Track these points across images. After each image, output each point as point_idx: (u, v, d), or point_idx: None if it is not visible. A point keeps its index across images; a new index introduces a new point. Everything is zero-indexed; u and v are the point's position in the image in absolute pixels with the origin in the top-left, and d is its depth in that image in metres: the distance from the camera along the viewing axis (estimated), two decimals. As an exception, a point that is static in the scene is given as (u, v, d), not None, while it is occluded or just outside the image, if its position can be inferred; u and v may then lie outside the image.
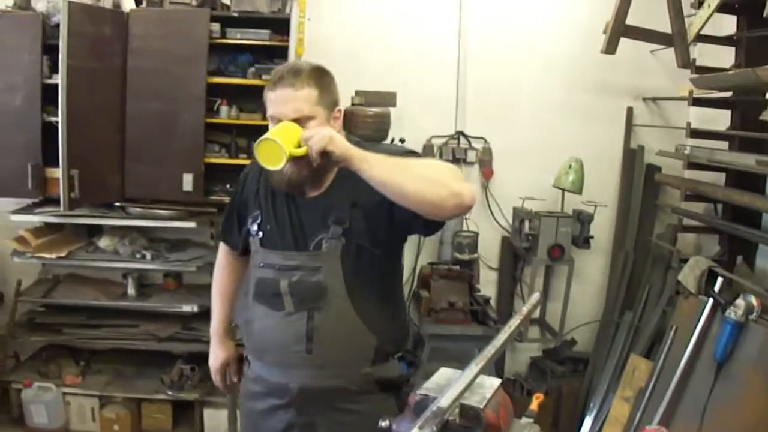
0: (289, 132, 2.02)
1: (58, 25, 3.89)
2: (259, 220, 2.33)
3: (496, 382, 2.01)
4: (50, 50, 4.06)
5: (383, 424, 2.13)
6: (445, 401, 1.79)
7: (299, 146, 1.98)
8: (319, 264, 2.22)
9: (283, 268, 2.25)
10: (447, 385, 1.93)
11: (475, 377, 1.99)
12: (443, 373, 2.08)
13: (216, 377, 2.70)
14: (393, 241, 2.33)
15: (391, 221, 2.18)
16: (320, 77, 2.16)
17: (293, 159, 1.99)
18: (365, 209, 2.19)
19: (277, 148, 1.95)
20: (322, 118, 2.13)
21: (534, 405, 2.13)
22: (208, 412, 4.45)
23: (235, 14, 4.27)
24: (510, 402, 2.00)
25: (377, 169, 1.95)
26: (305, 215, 2.26)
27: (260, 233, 2.32)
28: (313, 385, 2.25)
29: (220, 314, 2.68)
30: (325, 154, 1.93)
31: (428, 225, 2.12)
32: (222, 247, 2.68)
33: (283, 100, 2.09)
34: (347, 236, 2.21)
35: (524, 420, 2.04)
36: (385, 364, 2.33)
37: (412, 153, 2.25)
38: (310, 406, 2.27)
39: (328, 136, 1.92)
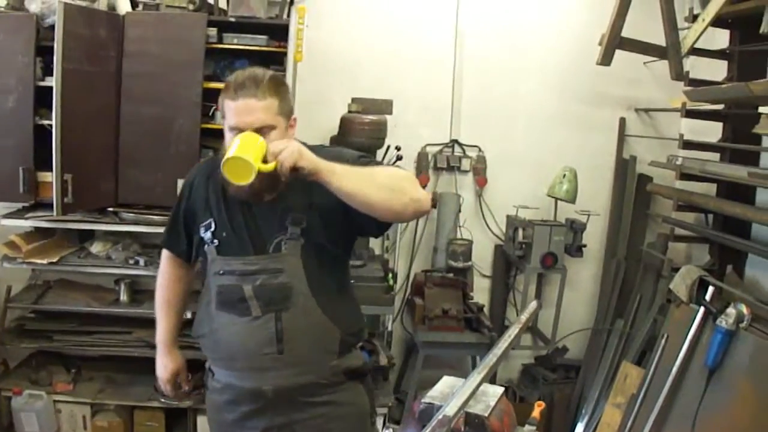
0: (255, 146, 2.02)
1: (51, 27, 3.83)
2: (213, 228, 2.33)
3: (499, 390, 2.03)
4: (44, 52, 3.99)
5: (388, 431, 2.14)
6: (450, 409, 1.80)
7: (265, 160, 2.00)
8: (281, 265, 2.25)
9: (244, 273, 2.26)
10: (451, 394, 1.94)
11: (479, 385, 2.00)
12: (446, 382, 2.09)
13: (166, 387, 2.73)
14: (347, 239, 2.41)
15: (347, 222, 2.24)
16: (279, 86, 2.19)
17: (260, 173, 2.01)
18: (321, 209, 2.24)
19: (247, 165, 1.97)
20: (282, 127, 2.17)
21: (536, 412, 2.16)
22: (201, 420, 4.39)
23: (232, 19, 4.23)
24: (513, 410, 2.02)
25: (345, 180, 2.02)
26: (262, 219, 2.28)
27: (215, 241, 2.32)
28: (287, 385, 2.29)
29: (167, 323, 2.70)
30: (295, 170, 1.96)
31: (380, 226, 2.25)
32: (165, 255, 2.67)
33: (246, 110, 2.11)
34: (305, 236, 2.26)
35: (527, 428, 2.06)
36: (349, 355, 2.41)
37: (363, 158, 2.30)
38: (285, 405, 2.30)
39: (297, 151, 1.96)
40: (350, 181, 2.02)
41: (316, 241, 2.27)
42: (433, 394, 2.00)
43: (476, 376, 2.02)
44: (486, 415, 1.86)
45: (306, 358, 2.30)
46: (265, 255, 2.26)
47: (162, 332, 2.70)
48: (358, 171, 2.07)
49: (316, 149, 2.12)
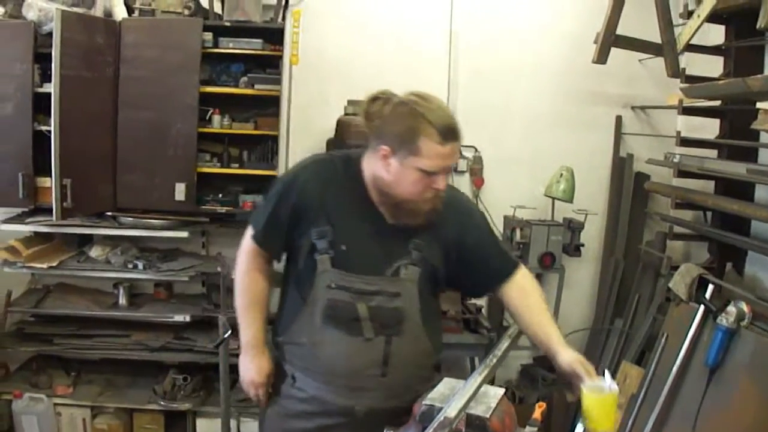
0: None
1: (49, 34, 3.87)
2: (329, 237, 2.24)
3: (500, 391, 2.04)
4: (41, 59, 4.04)
5: (388, 435, 2.15)
6: (451, 411, 1.80)
7: None
8: (399, 290, 2.24)
9: (361, 292, 2.22)
10: (452, 395, 1.94)
11: (480, 387, 2.00)
12: (447, 383, 2.10)
13: (259, 391, 2.49)
14: (452, 280, 2.42)
15: (461, 270, 2.35)
16: None
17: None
18: (445, 245, 2.29)
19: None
20: None
21: (537, 414, 2.16)
22: (200, 422, 4.43)
23: (228, 24, 4.26)
24: (514, 410, 2.02)
25: None
26: (386, 240, 2.25)
27: (331, 251, 2.24)
28: (379, 407, 2.26)
29: (257, 322, 2.49)
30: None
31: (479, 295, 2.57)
32: (252, 251, 2.44)
33: (451, 153, 2.10)
34: (424, 263, 2.26)
35: (528, 429, 2.07)
36: (434, 378, 2.35)
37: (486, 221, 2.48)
38: (369, 426, 2.22)
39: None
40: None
41: (431, 271, 2.29)
42: (434, 396, 2.01)
43: (477, 378, 2.03)
44: (487, 416, 1.87)
45: (405, 383, 2.28)
46: (384, 277, 2.23)
47: (251, 332, 2.48)
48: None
49: (455, 203, 2.30)
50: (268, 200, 2.39)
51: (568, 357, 2.19)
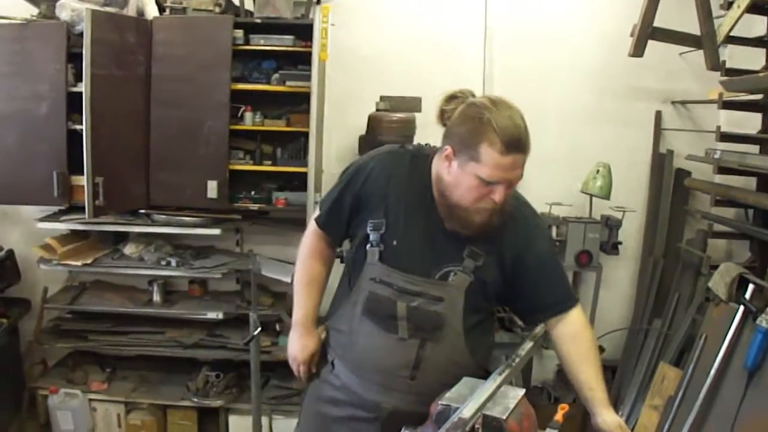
0: None
1: (82, 34, 3.91)
2: (382, 231, 2.22)
3: (520, 392, 1.99)
4: (75, 58, 4.08)
5: (405, 433, 2.11)
6: (467, 412, 1.77)
7: None
8: (443, 295, 2.19)
9: (403, 290, 2.19)
10: (470, 395, 1.90)
11: (499, 387, 1.96)
12: (467, 383, 2.06)
13: (302, 368, 2.51)
14: (506, 298, 2.37)
15: (514, 291, 2.30)
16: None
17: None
18: (501, 261, 2.20)
19: None
20: None
21: (559, 416, 2.10)
22: (233, 419, 4.46)
23: (258, 20, 4.25)
24: (533, 412, 1.97)
25: None
26: (440, 243, 2.20)
27: (381, 245, 2.22)
28: (405, 409, 2.21)
29: (309, 302, 2.52)
30: None
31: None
32: (315, 233, 2.50)
33: (513, 165, 2.00)
34: (476, 274, 2.19)
35: (549, 431, 2.00)
36: None
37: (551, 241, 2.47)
38: (395, 426, 2.18)
39: None
40: None
41: (482, 283, 2.22)
42: (451, 396, 1.97)
43: (497, 378, 1.99)
44: (504, 417, 1.83)
45: (434, 391, 2.16)
46: (430, 279, 2.19)
47: (303, 311, 2.51)
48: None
49: (522, 220, 2.24)
50: (337, 185, 2.39)
51: (609, 420, 2.14)
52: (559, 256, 4.58)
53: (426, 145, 2.36)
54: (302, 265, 2.53)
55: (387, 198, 2.23)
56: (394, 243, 2.21)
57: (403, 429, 2.10)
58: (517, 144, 1.98)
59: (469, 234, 2.15)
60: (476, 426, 1.80)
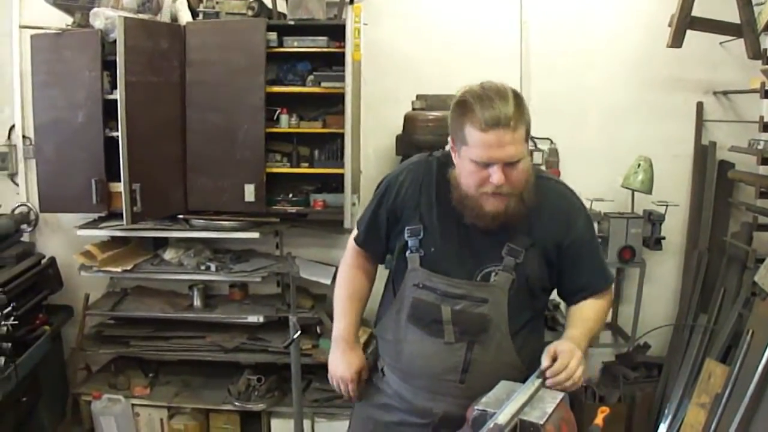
0: None
1: (116, 41, 3.92)
2: (420, 236, 2.22)
3: (559, 396, 1.94)
4: (110, 66, 4.10)
5: (443, 439, 2.09)
6: (503, 417, 1.73)
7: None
8: (487, 296, 2.17)
9: (446, 294, 2.18)
10: (507, 399, 1.86)
11: (536, 391, 1.92)
12: (504, 386, 2.02)
13: (349, 387, 2.46)
14: (552, 286, 2.33)
15: (558, 278, 2.27)
16: (523, 106, 2.03)
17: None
18: (543, 249, 2.17)
19: None
20: (527, 156, 2.06)
21: (599, 419, 2.05)
22: (275, 422, 4.45)
23: (292, 22, 4.24)
24: (573, 417, 1.92)
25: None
26: (478, 243, 2.18)
27: (421, 251, 2.22)
28: (457, 413, 2.14)
29: (351, 318, 2.50)
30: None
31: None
32: (355, 249, 2.52)
33: (499, 143, 1.96)
34: (518, 271, 2.16)
35: (588, 436, 1.96)
36: None
37: (589, 222, 2.33)
38: (448, 429, 2.18)
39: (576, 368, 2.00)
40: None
41: (526, 279, 2.19)
42: (488, 400, 1.93)
43: (534, 381, 1.95)
44: (541, 423, 1.79)
45: (485, 393, 2.13)
46: (472, 281, 2.18)
47: (344, 328, 2.48)
48: (591, 330, 2.19)
49: (545, 185, 2.21)
50: (371, 203, 2.42)
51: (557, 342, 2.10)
52: (602, 251, 4.53)
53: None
54: (343, 282, 2.53)
55: (420, 206, 2.24)
56: (432, 249, 2.21)
57: None
58: (497, 120, 1.94)
59: (486, 226, 2.11)
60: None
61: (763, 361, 3.37)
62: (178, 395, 4.54)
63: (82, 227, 4.46)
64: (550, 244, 2.17)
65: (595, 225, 4.43)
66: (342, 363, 2.46)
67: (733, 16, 3.94)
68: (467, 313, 2.16)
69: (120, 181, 4.01)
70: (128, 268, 4.40)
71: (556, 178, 2.37)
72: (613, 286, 2.37)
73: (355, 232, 2.50)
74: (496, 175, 1.99)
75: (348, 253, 2.54)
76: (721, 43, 4.48)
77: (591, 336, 2.18)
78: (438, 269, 2.19)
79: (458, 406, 2.16)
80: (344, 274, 2.53)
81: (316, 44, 4.27)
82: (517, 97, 2.01)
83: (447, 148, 2.26)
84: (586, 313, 2.25)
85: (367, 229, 2.42)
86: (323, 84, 4.29)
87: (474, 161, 2.00)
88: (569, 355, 1.99)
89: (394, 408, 2.36)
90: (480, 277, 2.17)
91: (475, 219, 2.11)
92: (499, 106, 1.95)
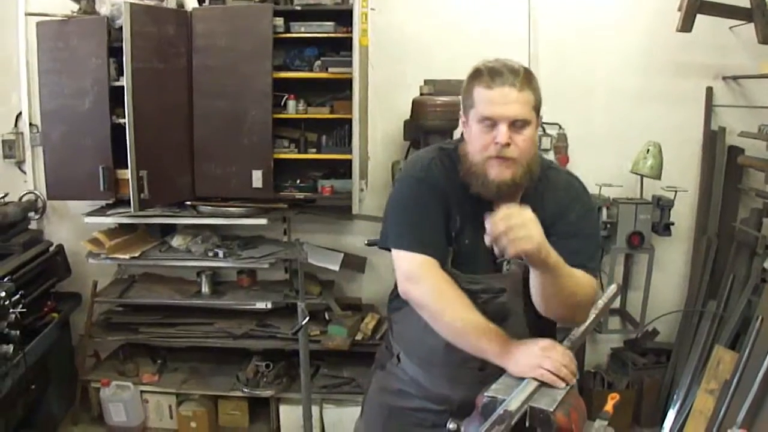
0: None
1: (122, 28, 3.90)
2: (458, 228, 2.16)
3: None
4: (116, 53, 4.08)
5: (451, 426, 2.07)
6: (513, 404, 1.71)
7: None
8: (504, 286, 2.15)
9: (468, 291, 2.10)
10: (516, 386, 1.84)
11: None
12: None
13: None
14: None
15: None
16: (534, 79, 2.04)
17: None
18: (545, 229, 1.96)
19: None
20: (534, 125, 2.03)
21: (609, 406, 2.03)
22: (283, 408, 4.46)
23: (299, 7, 4.22)
24: (583, 404, 1.90)
25: (550, 279, 1.91)
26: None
27: (454, 245, 2.16)
28: (475, 396, 2.07)
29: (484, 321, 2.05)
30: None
31: None
32: (430, 264, 2.09)
33: (504, 100, 1.96)
34: None
35: (598, 422, 1.95)
36: None
37: (591, 214, 2.23)
38: (464, 415, 2.09)
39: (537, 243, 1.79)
40: (553, 284, 1.91)
41: None
42: (498, 387, 1.91)
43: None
44: (551, 409, 1.77)
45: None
46: (488, 274, 2.15)
47: (501, 340, 2.01)
48: (566, 280, 1.92)
49: (555, 175, 2.17)
50: (409, 205, 2.17)
51: None
52: (611, 238, 4.52)
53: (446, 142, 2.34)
54: (455, 310, 2.06)
55: (450, 198, 2.16)
56: (466, 242, 2.16)
57: (449, 422, 2.06)
58: (502, 75, 1.96)
59: (492, 196, 2.03)
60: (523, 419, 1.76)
61: (773, 348, 3.38)
62: (186, 382, 4.55)
63: (89, 214, 4.47)
64: (549, 223, 2.00)
65: (604, 210, 4.46)
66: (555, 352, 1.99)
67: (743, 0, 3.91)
68: (490, 303, 2.13)
69: (127, 168, 3.99)
70: (136, 255, 4.39)
71: (568, 171, 2.33)
72: (596, 286, 2.10)
73: (404, 244, 2.14)
74: (501, 134, 1.97)
75: (425, 277, 2.09)
76: (730, 27, 4.44)
77: (566, 275, 1.93)
78: (461, 265, 2.14)
79: (476, 392, 2.12)
80: (450, 300, 2.06)
81: (323, 29, 4.26)
82: (528, 70, 2.03)
83: (456, 136, 2.23)
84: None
85: (428, 233, 2.13)
86: (330, 69, 4.27)
87: (480, 121, 1.99)
88: (518, 214, 1.80)
89: (410, 394, 2.35)
90: (495, 268, 2.15)
91: (480, 188, 2.05)
92: (506, 71, 1.97)
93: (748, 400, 3.41)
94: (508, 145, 1.97)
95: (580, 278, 1.99)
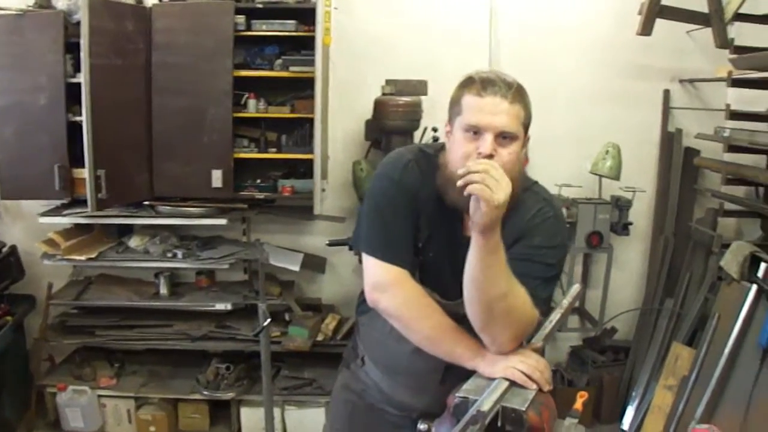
0: None
1: (79, 23, 3.82)
2: (425, 240, 2.10)
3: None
4: (73, 48, 4.00)
5: (422, 427, 2.07)
6: (486, 404, 1.71)
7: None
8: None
9: None
10: (488, 387, 1.85)
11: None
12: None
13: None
14: None
15: None
16: (526, 96, 1.98)
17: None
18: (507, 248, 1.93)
19: None
20: (521, 142, 1.94)
21: (578, 404, 2.06)
22: (245, 411, 4.41)
23: (260, 5, 4.19)
24: (553, 403, 1.92)
25: (489, 264, 1.82)
26: (459, 253, 1.94)
27: (421, 257, 2.10)
28: (437, 409, 2.08)
29: (467, 338, 2.03)
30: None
31: None
32: (400, 275, 2.05)
33: (493, 109, 1.88)
34: None
35: (568, 421, 1.97)
36: None
37: (553, 253, 2.05)
38: (427, 419, 2.12)
39: (498, 202, 1.73)
40: (492, 265, 1.82)
41: None
42: (469, 387, 1.91)
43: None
44: (523, 409, 1.78)
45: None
46: (450, 302, 2.04)
47: (474, 347, 2.01)
48: (504, 280, 1.84)
49: (527, 195, 2.07)
50: (380, 211, 2.10)
51: None
52: (570, 238, 4.54)
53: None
54: (429, 318, 2.05)
55: (426, 205, 2.09)
56: (430, 254, 2.10)
57: (419, 423, 2.06)
58: (494, 85, 1.90)
59: (466, 210, 1.87)
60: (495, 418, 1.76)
61: (730, 344, 3.47)
62: (145, 385, 4.47)
63: (44, 214, 4.35)
64: (509, 243, 1.92)
65: (564, 211, 4.48)
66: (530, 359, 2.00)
67: (701, 5, 3.97)
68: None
69: (84, 166, 3.91)
70: (92, 256, 4.30)
71: (550, 198, 2.19)
72: (535, 320, 1.98)
73: (381, 260, 2.07)
74: (485, 143, 1.88)
75: (399, 287, 2.05)
76: (688, 32, 4.51)
77: (504, 273, 1.85)
78: (426, 276, 2.09)
79: (437, 401, 2.11)
80: (423, 311, 2.05)
81: (285, 28, 4.22)
82: (521, 86, 1.97)
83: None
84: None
85: (395, 242, 2.07)
86: (292, 68, 4.24)
87: (466, 130, 1.91)
88: (501, 173, 1.77)
89: (373, 396, 2.35)
90: (460, 295, 1.97)
91: (456, 199, 1.93)
92: (500, 81, 1.92)
93: (706, 396, 3.49)
94: (491, 156, 1.86)
95: (521, 296, 1.88)
